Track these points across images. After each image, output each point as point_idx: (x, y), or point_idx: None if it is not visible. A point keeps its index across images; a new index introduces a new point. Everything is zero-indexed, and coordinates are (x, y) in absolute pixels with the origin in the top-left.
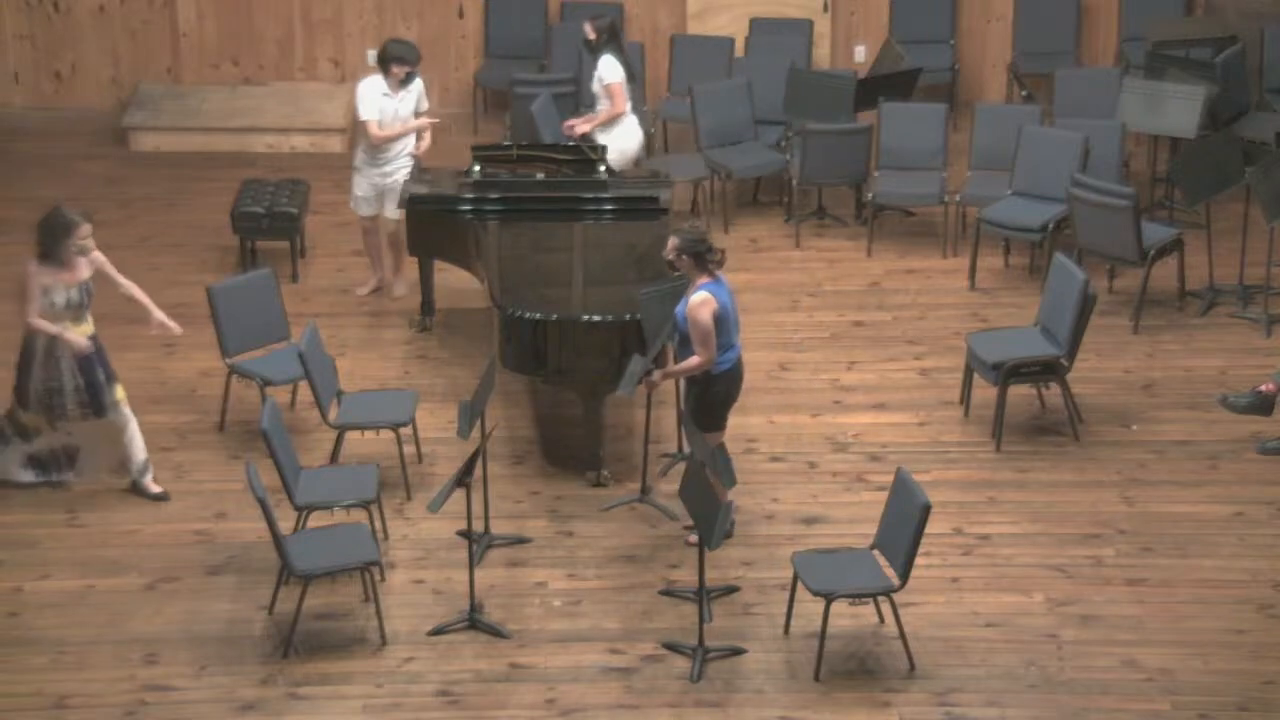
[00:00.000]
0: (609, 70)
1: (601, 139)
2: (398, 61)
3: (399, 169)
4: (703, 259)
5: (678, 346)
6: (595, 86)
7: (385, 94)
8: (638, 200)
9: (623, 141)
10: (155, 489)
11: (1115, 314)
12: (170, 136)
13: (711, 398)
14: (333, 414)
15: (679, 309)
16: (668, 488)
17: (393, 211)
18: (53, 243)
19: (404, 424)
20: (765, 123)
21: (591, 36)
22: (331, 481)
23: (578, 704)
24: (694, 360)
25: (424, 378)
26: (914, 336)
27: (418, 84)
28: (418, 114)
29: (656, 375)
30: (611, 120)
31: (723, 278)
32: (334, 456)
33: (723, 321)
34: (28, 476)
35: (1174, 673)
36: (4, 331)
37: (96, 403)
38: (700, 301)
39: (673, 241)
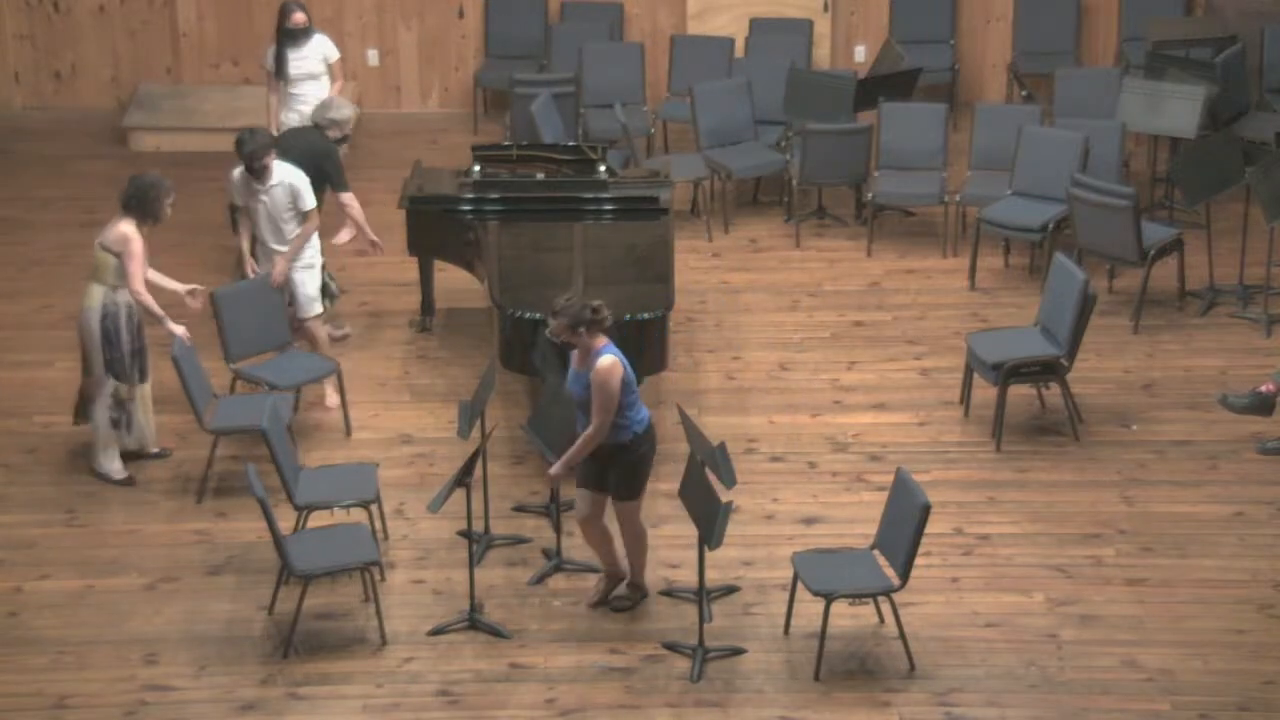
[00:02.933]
0: (331, 48)
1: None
2: (236, 150)
3: (308, 257)
4: (595, 324)
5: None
6: (314, 66)
7: (254, 186)
8: (638, 200)
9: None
10: (154, 449)
11: (1115, 314)
12: (170, 136)
13: (639, 462)
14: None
15: (572, 382)
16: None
17: (307, 308)
18: (155, 204)
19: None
20: (765, 123)
21: (306, 23)
22: (331, 481)
23: (578, 704)
24: (590, 434)
25: (424, 378)
26: (914, 336)
27: (288, 178)
28: (303, 213)
29: (557, 467)
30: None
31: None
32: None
33: (629, 383)
34: (120, 473)
35: (1174, 673)
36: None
37: (144, 367)
38: (609, 366)
39: (560, 322)
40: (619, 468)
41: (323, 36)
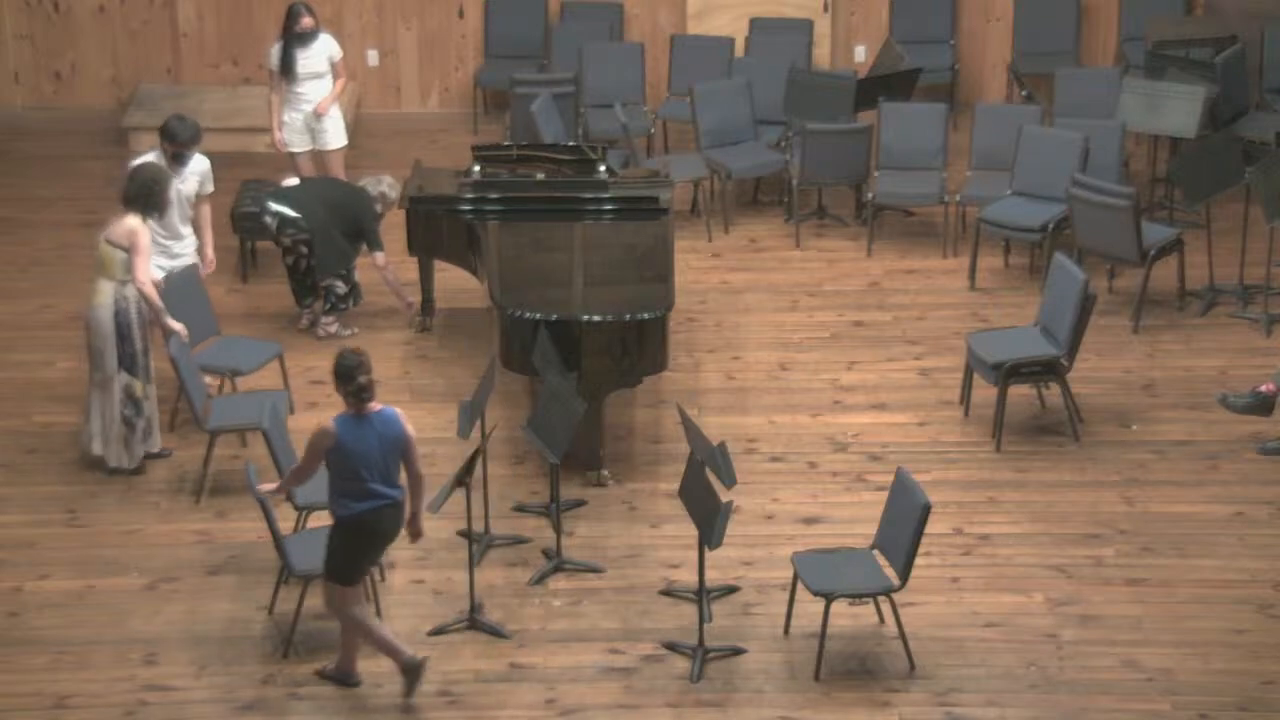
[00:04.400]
0: (335, 47)
1: (334, 111)
2: (166, 138)
3: (186, 251)
4: (340, 389)
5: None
6: (320, 65)
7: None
8: (638, 200)
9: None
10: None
11: (1115, 314)
12: None
13: (345, 547)
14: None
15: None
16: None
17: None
18: (159, 196)
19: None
20: (765, 123)
21: (314, 26)
22: None
23: (578, 704)
24: (291, 471)
25: (424, 378)
26: (914, 336)
27: (202, 165)
28: (199, 197)
29: (267, 486)
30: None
31: (385, 414)
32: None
33: (343, 461)
34: (128, 464)
35: (1174, 673)
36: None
37: (148, 365)
38: (319, 429)
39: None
40: (329, 541)
41: (327, 36)
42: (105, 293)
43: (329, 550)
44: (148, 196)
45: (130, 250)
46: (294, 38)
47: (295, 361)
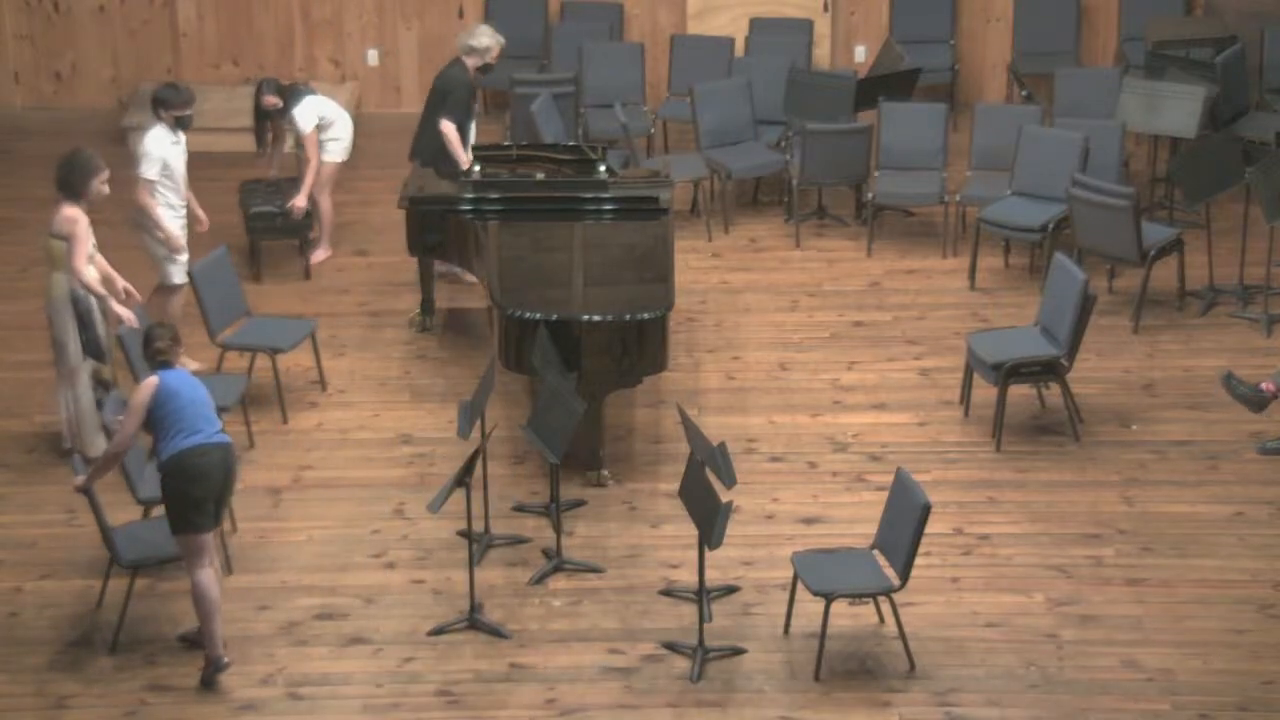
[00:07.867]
0: (301, 124)
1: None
2: (163, 106)
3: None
4: (149, 356)
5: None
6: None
7: (174, 142)
8: (638, 200)
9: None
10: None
11: (1115, 314)
12: None
13: (167, 493)
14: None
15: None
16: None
17: (180, 277)
18: (80, 183)
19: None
20: (765, 123)
21: (277, 105)
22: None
23: (578, 704)
24: (110, 443)
25: (424, 378)
26: (914, 336)
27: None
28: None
29: (83, 479)
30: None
31: (182, 369)
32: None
33: (168, 403)
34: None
35: (1174, 673)
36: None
37: (109, 347)
38: (144, 383)
39: None
40: (162, 495)
41: (296, 110)
42: (60, 285)
43: (166, 503)
44: (67, 182)
45: (68, 239)
46: (260, 114)
47: (294, 361)
